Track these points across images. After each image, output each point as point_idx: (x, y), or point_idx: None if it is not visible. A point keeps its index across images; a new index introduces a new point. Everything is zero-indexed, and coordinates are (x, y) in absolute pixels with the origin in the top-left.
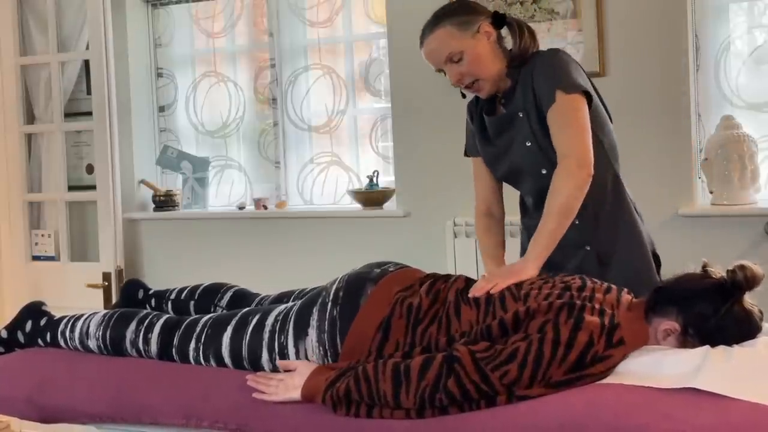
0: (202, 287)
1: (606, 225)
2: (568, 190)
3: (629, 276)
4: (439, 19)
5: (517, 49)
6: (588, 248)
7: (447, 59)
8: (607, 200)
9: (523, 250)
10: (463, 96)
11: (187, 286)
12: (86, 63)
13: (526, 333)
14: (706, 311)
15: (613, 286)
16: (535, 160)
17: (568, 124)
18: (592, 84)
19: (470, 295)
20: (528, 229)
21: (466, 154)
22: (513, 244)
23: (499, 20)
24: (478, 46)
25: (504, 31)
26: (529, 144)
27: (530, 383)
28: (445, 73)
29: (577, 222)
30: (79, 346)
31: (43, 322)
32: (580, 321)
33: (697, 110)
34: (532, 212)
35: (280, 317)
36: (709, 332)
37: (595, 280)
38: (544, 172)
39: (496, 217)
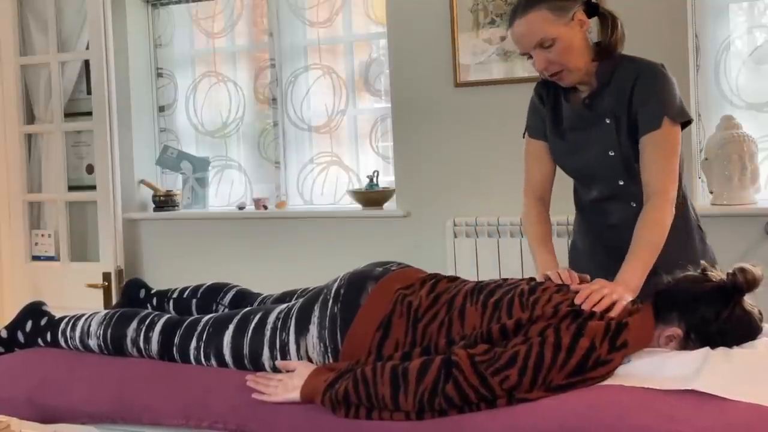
0: (204, 287)
1: (673, 249)
2: (664, 228)
3: None
4: (533, 0)
5: (605, 43)
6: (659, 272)
7: (537, 44)
8: (677, 224)
9: (574, 250)
10: (544, 82)
11: (189, 286)
12: (86, 63)
13: (526, 336)
14: (708, 316)
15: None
16: (613, 169)
17: (667, 158)
18: None
19: (577, 303)
20: (581, 228)
21: (528, 134)
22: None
23: (592, 9)
24: (571, 34)
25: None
26: (612, 154)
27: (530, 388)
28: (529, 57)
29: None
30: (79, 346)
31: (43, 321)
32: (583, 327)
33: (697, 110)
34: (591, 210)
35: (282, 315)
36: (711, 335)
37: None
38: (621, 183)
39: (546, 204)
